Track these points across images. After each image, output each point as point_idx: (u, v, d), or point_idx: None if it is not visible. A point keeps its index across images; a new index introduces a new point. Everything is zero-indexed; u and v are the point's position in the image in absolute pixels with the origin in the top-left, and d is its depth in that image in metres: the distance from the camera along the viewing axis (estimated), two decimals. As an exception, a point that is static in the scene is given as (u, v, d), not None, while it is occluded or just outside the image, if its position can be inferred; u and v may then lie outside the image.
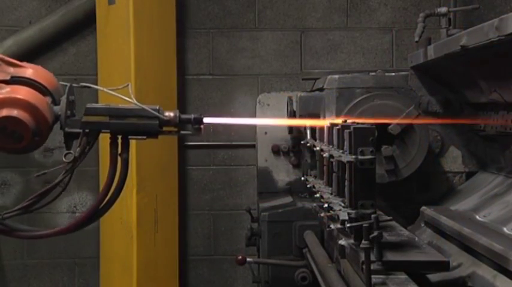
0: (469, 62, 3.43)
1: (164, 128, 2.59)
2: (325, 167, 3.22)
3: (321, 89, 3.94)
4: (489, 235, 2.88)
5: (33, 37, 5.72)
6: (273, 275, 3.98)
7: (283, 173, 4.48)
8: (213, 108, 5.77)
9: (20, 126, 2.42)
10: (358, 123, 2.67)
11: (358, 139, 2.51)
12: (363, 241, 2.27)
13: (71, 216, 5.80)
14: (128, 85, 2.58)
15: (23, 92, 2.46)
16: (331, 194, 2.96)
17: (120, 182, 2.62)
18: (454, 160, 4.09)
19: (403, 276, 2.37)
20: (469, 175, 4.06)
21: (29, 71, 2.53)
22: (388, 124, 3.55)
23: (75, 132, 2.55)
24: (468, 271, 2.86)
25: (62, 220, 5.74)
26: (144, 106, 2.54)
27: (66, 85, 2.57)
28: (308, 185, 3.52)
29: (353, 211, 2.49)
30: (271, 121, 4.51)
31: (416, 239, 2.76)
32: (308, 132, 3.85)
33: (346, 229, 2.58)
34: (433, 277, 2.71)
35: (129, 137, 2.59)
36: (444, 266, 2.48)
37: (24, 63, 2.55)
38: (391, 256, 2.43)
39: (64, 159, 2.52)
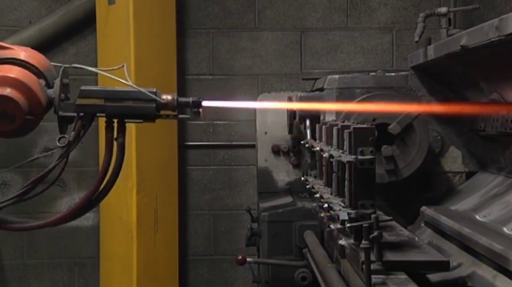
0: (469, 62, 3.43)
1: (162, 112, 2.51)
2: (324, 167, 3.22)
3: (321, 89, 3.94)
4: (489, 235, 2.88)
5: (33, 37, 5.72)
6: (273, 275, 3.97)
7: (283, 173, 4.48)
8: (213, 108, 5.76)
9: (12, 105, 2.33)
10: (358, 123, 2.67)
11: (358, 139, 2.51)
12: (363, 241, 2.27)
13: (71, 216, 5.80)
14: (123, 66, 2.52)
15: (14, 72, 2.37)
16: (331, 194, 2.96)
17: (116, 168, 2.53)
18: (454, 160, 4.09)
19: (403, 276, 2.37)
20: (469, 175, 4.06)
21: (21, 53, 2.46)
22: (388, 124, 3.56)
23: (70, 116, 2.46)
24: (468, 271, 2.85)
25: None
26: (140, 89, 2.48)
27: (60, 66, 2.49)
28: (308, 186, 3.52)
29: (353, 211, 2.49)
30: (268, 105, 4.49)
31: (416, 239, 2.76)
32: (308, 132, 3.85)
33: (346, 229, 2.58)
34: (433, 277, 2.71)
35: (126, 120, 2.51)
36: (444, 266, 2.48)
37: (14, 46, 2.48)
38: (391, 256, 2.43)
39: (58, 143, 2.43)
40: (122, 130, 2.51)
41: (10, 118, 2.34)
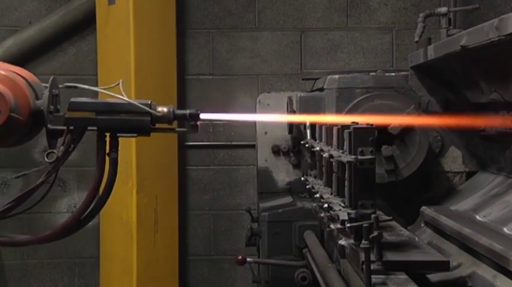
0: (469, 62, 3.43)
1: (158, 125, 2.38)
2: (324, 167, 3.22)
3: (321, 89, 3.94)
4: (489, 235, 2.88)
5: (33, 37, 5.72)
6: (273, 275, 3.97)
7: (283, 173, 4.47)
8: (213, 108, 5.77)
9: None
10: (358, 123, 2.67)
11: (358, 139, 2.51)
12: (363, 241, 2.27)
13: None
14: (119, 83, 2.38)
15: (2, 71, 2.27)
16: (331, 194, 2.96)
17: (108, 185, 2.40)
18: (454, 160, 4.09)
19: (403, 276, 2.37)
20: (469, 175, 4.06)
21: (9, 65, 2.35)
22: (388, 124, 3.56)
23: (59, 129, 2.32)
24: (468, 271, 2.85)
25: (62, 220, 5.73)
26: (133, 101, 2.34)
27: (52, 78, 2.36)
28: (308, 186, 3.52)
29: (353, 211, 2.49)
30: (269, 117, 4.49)
31: (416, 239, 2.76)
32: (308, 132, 3.85)
33: (346, 229, 2.57)
34: (433, 277, 2.71)
35: (118, 134, 2.37)
36: (444, 266, 2.48)
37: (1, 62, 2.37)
38: (391, 256, 2.43)
39: (46, 159, 2.29)
40: (115, 145, 2.39)
41: None
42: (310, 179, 3.64)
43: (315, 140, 3.56)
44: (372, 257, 2.30)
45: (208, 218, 5.95)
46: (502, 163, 3.62)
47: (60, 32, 5.77)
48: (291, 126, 4.27)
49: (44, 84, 2.39)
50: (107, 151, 2.38)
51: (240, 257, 3.86)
